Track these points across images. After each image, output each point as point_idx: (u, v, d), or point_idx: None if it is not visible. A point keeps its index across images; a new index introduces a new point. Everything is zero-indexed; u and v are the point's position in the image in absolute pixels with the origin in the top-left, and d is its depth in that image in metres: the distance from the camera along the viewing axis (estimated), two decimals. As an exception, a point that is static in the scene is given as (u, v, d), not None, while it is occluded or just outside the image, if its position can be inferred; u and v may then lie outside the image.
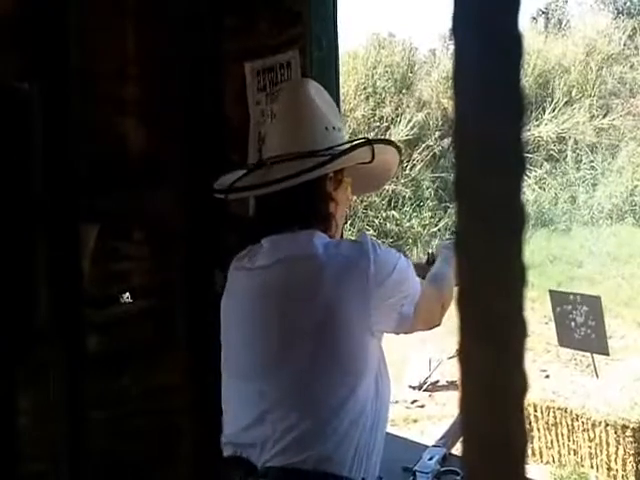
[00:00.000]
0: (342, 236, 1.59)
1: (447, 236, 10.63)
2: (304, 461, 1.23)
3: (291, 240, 1.37)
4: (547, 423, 4.13)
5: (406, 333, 1.44)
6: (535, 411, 4.15)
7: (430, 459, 1.62)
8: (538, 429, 4.16)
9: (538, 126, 11.55)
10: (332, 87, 1.95)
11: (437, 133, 11.51)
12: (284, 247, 1.37)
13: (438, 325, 1.48)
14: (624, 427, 3.80)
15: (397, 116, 11.46)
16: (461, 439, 0.33)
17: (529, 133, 11.09)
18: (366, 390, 1.28)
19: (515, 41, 0.32)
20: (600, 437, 3.89)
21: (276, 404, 1.29)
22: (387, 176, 1.60)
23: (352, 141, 1.43)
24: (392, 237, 10.54)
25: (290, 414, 1.26)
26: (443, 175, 11.01)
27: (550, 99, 11.92)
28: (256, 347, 1.35)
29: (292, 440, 1.24)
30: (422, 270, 1.58)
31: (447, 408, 5.41)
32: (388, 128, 11.21)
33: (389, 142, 1.59)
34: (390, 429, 1.39)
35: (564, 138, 11.69)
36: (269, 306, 1.35)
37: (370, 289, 1.29)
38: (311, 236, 1.35)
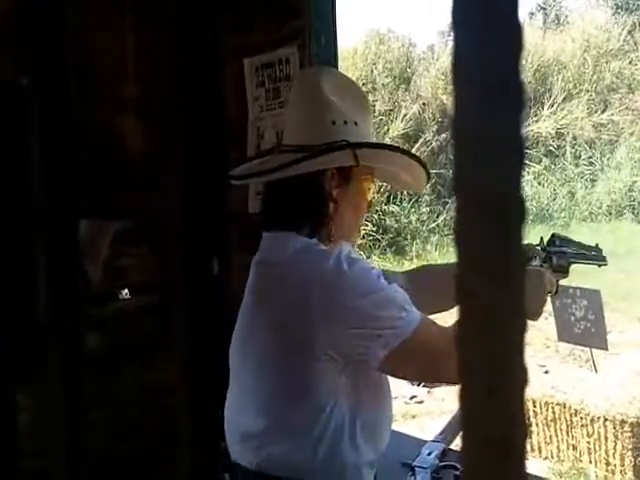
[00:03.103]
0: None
1: (445, 232, 10.63)
2: (253, 462, 1.23)
3: (270, 241, 1.32)
4: (546, 418, 4.13)
5: (387, 374, 1.26)
6: (534, 406, 4.15)
7: (429, 454, 1.62)
8: (537, 424, 4.17)
9: (537, 122, 11.56)
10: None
11: (435, 128, 11.51)
12: (264, 248, 1.34)
13: (440, 383, 1.30)
14: (622, 422, 3.80)
15: (395, 111, 11.46)
16: (460, 434, 0.33)
17: (528, 129, 11.09)
18: (321, 405, 1.19)
19: (514, 35, 0.32)
20: (599, 432, 3.90)
21: (238, 403, 1.31)
22: (412, 179, 1.40)
23: (334, 141, 1.27)
24: (391, 233, 10.54)
25: (247, 415, 1.26)
26: (441, 171, 11.00)
27: (548, 95, 11.92)
28: (237, 343, 1.35)
29: (246, 440, 1.25)
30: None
31: (446, 403, 5.41)
32: (386, 123, 11.21)
33: (394, 148, 1.41)
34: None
35: (562, 134, 11.69)
36: (248, 306, 1.34)
37: (313, 308, 1.15)
38: (286, 239, 1.26)
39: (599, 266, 1.70)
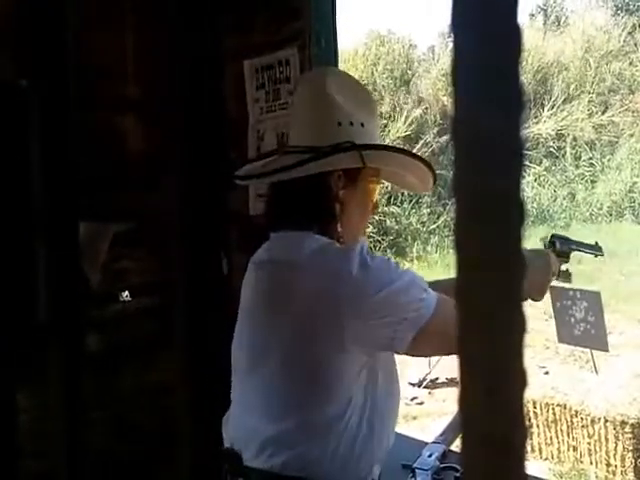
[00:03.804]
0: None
1: (446, 233, 10.63)
2: (272, 465, 1.22)
3: (281, 241, 1.32)
4: (546, 419, 4.13)
5: (411, 355, 1.29)
6: (534, 407, 4.15)
7: (430, 456, 1.62)
8: (537, 425, 4.17)
9: (537, 123, 11.56)
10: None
11: (436, 130, 11.52)
12: (273, 248, 1.33)
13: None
14: (623, 423, 3.80)
15: (396, 113, 11.46)
16: (460, 436, 0.33)
17: (528, 130, 11.09)
18: (343, 402, 1.21)
19: (514, 38, 0.32)
20: (599, 433, 3.90)
21: (251, 405, 1.29)
22: (418, 180, 1.42)
23: (340, 142, 1.27)
24: (391, 234, 10.54)
25: (262, 417, 1.25)
26: (442, 172, 11.01)
27: (549, 96, 11.93)
28: (243, 344, 1.34)
29: (262, 443, 1.24)
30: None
31: (447, 405, 5.41)
32: (387, 125, 11.21)
33: (400, 150, 1.42)
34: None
35: (563, 135, 11.70)
36: (255, 306, 1.34)
37: (343, 306, 1.17)
38: (301, 239, 1.26)
39: (595, 256, 1.82)
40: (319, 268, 1.22)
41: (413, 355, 1.30)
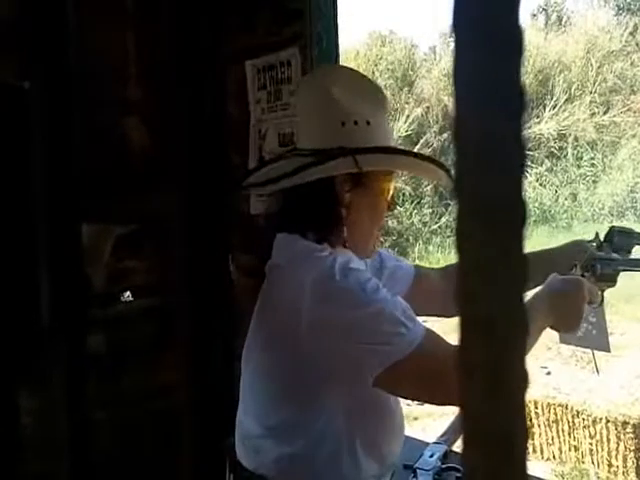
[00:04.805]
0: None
1: (448, 233, 10.62)
2: (256, 467, 1.22)
3: (279, 243, 1.30)
4: (548, 420, 4.13)
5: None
6: (536, 408, 4.15)
7: (431, 456, 1.61)
8: (539, 426, 4.16)
9: (539, 123, 11.56)
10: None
11: (437, 128, 11.51)
12: (274, 249, 1.32)
13: (442, 403, 1.20)
14: (625, 423, 3.80)
15: (397, 112, 11.46)
16: (461, 436, 0.33)
17: (530, 130, 11.09)
18: (324, 408, 1.16)
19: (515, 38, 0.32)
20: (601, 433, 3.90)
21: (243, 406, 1.30)
22: (427, 175, 1.37)
23: (339, 145, 1.23)
24: (393, 234, 10.53)
25: (254, 418, 1.26)
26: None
27: (550, 96, 11.92)
28: (245, 344, 1.35)
29: (248, 443, 1.25)
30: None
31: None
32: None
33: (396, 151, 1.33)
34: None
35: (565, 135, 11.69)
36: (256, 307, 1.34)
37: (300, 316, 1.10)
38: (293, 242, 1.23)
39: None
40: (290, 275, 1.19)
41: (385, 391, 1.18)
